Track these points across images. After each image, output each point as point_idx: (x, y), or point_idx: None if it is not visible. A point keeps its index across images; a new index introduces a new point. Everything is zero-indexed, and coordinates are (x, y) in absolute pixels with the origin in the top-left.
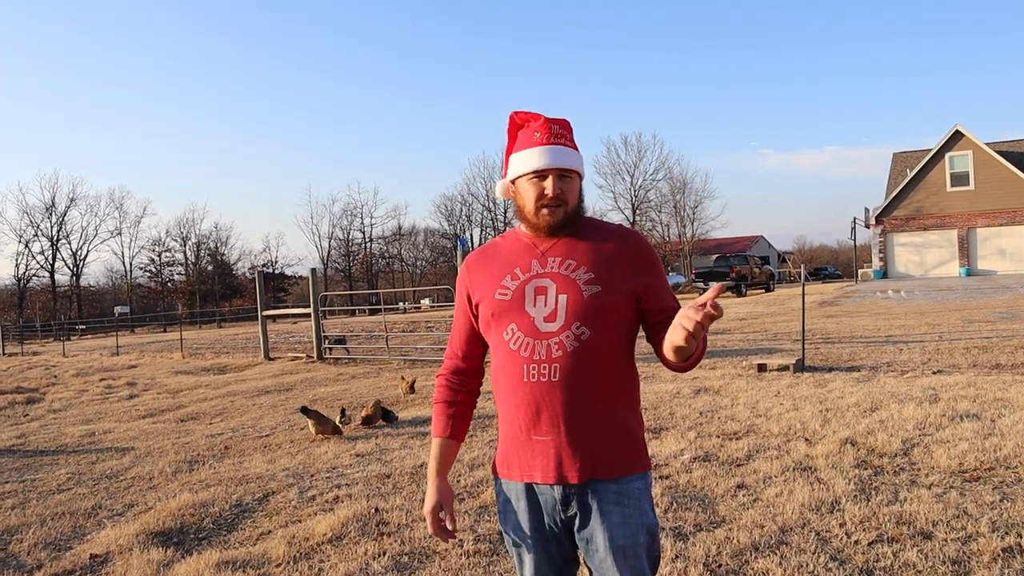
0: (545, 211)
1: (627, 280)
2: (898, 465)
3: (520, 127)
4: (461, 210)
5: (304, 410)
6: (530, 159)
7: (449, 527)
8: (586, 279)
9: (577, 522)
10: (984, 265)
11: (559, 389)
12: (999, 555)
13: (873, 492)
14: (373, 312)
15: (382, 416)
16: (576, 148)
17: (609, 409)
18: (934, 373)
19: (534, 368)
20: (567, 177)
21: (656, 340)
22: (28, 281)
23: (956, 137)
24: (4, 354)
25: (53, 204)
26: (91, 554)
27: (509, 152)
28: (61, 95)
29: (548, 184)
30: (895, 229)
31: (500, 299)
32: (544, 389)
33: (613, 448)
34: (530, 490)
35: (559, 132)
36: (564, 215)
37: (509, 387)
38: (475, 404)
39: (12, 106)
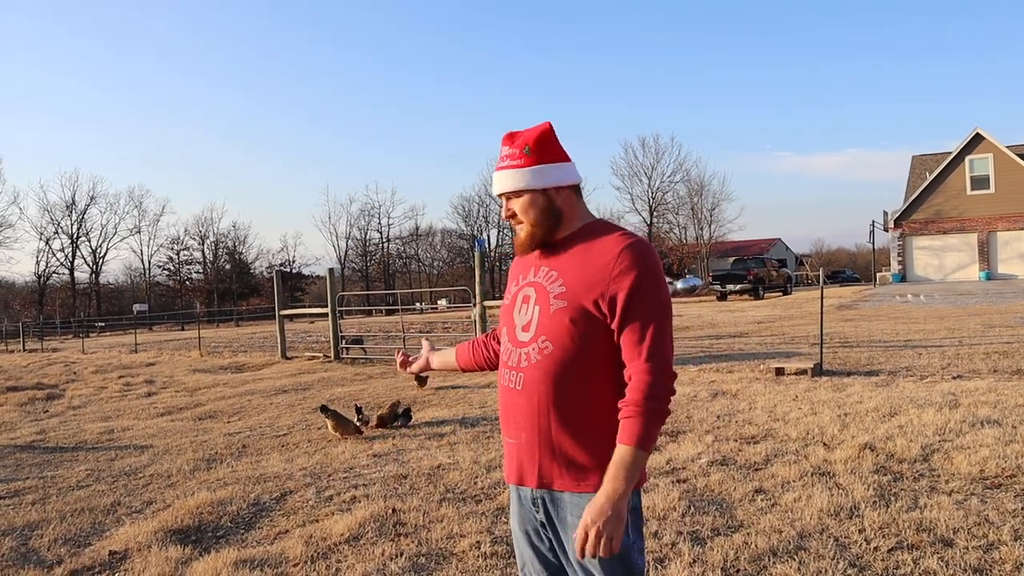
0: (515, 231)
1: (596, 295)
2: (918, 471)
3: None
4: (478, 211)
5: (324, 409)
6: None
7: (411, 364)
8: (556, 292)
9: (547, 527)
10: (1004, 269)
11: (521, 398)
12: (1022, 564)
13: (892, 498)
14: (390, 312)
15: (399, 416)
16: (529, 163)
17: (564, 426)
18: (954, 378)
19: (507, 374)
20: (515, 196)
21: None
22: (48, 278)
23: (976, 140)
24: (24, 350)
25: (73, 202)
26: (110, 551)
27: None
28: (81, 94)
29: (503, 209)
30: (914, 232)
31: (504, 303)
32: (512, 395)
33: (566, 463)
34: (515, 488)
35: (507, 154)
36: (526, 233)
37: (499, 389)
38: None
39: (34, 105)
